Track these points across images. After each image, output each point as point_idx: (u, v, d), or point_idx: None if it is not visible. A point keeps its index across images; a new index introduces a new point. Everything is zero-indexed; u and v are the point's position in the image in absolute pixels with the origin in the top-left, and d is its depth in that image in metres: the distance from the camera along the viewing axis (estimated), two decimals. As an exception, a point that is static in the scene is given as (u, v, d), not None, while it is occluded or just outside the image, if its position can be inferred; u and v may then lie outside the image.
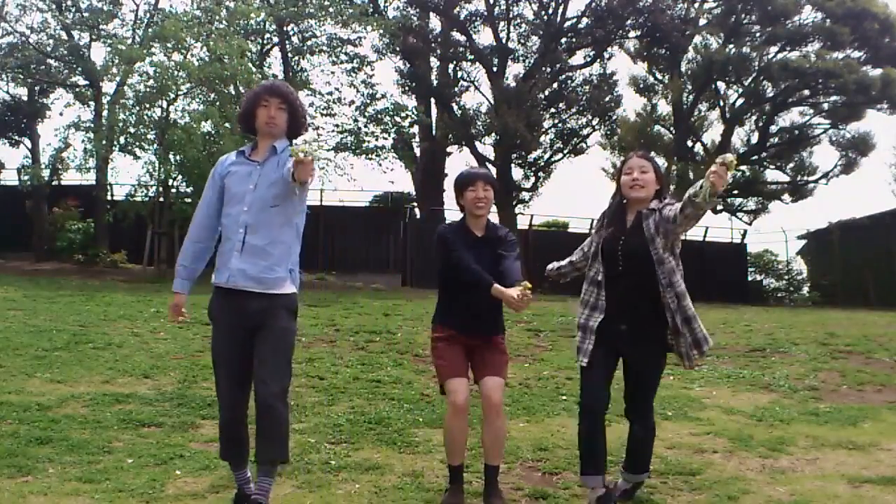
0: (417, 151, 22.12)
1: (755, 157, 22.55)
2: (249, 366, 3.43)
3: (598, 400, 3.76)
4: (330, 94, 19.72)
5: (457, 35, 21.89)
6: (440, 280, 4.12)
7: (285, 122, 3.65)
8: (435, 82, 21.91)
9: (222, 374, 3.53)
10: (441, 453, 4.40)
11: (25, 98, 20.80)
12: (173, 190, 17.20)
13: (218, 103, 15.63)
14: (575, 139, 22.67)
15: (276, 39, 19.76)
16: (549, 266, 4.32)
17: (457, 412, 3.95)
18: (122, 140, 16.59)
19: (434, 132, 21.72)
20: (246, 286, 3.45)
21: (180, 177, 16.64)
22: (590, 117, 22.51)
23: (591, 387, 3.78)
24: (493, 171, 20.88)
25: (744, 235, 23.82)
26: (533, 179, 22.59)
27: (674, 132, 22.44)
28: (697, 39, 22.08)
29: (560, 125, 22.61)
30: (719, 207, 22.20)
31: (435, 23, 22.48)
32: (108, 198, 19.01)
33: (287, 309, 3.50)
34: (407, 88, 22.08)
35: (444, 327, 4.07)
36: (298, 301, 3.61)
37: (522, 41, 22.08)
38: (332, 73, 25.86)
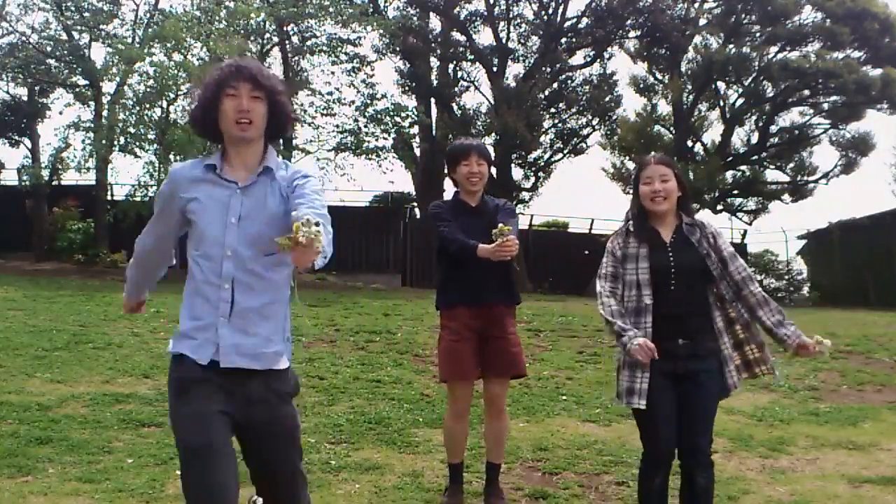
0: (417, 151, 22.11)
1: (755, 157, 22.54)
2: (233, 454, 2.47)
3: (671, 445, 3.25)
4: (330, 94, 19.70)
5: (457, 35, 21.88)
6: (438, 259, 3.97)
7: (263, 119, 2.48)
8: (435, 82, 21.90)
9: (205, 469, 2.36)
10: (441, 453, 4.40)
11: (25, 98, 20.77)
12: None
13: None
14: (575, 139, 22.66)
15: (276, 39, 19.75)
16: (618, 326, 3.27)
17: (457, 416, 3.90)
18: (122, 140, 16.59)
19: (434, 132, 21.70)
20: (240, 364, 2.42)
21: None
22: (590, 117, 22.49)
23: (660, 431, 3.23)
24: (494, 171, 20.90)
25: (744, 235, 23.82)
26: (533, 179, 22.58)
27: (674, 132, 22.43)
28: (697, 39, 22.07)
29: (560, 125, 22.60)
30: (719, 207, 22.21)
31: (435, 23, 22.47)
32: (108, 198, 19.00)
33: (287, 393, 2.55)
34: (407, 88, 22.07)
35: (448, 307, 3.91)
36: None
37: (522, 41, 22.07)
38: (332, 73, 25.65)
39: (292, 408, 2.56)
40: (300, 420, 2.61)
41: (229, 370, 2.41)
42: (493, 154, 20.63)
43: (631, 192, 3.48)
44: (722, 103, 22.58)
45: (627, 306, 3.26)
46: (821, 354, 3.19)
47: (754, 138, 22.73)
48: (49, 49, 19.18)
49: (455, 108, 21.79)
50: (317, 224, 2.08)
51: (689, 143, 22.75)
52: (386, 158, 19.92)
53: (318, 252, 2.09)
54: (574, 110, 22.29)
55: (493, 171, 22.24)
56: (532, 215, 22.68)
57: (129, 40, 18.33)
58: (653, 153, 4.10)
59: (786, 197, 23.02)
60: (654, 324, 3.22)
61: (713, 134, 23.89)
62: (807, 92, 21.17)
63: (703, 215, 3.67)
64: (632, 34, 22.20)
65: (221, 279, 2.41)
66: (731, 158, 22.12)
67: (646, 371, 3.18)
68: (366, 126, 19.53)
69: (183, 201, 2.49)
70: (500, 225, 3.58)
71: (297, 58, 20.03)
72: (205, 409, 2.38)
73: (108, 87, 18.43)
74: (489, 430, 3.96)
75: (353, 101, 19.93)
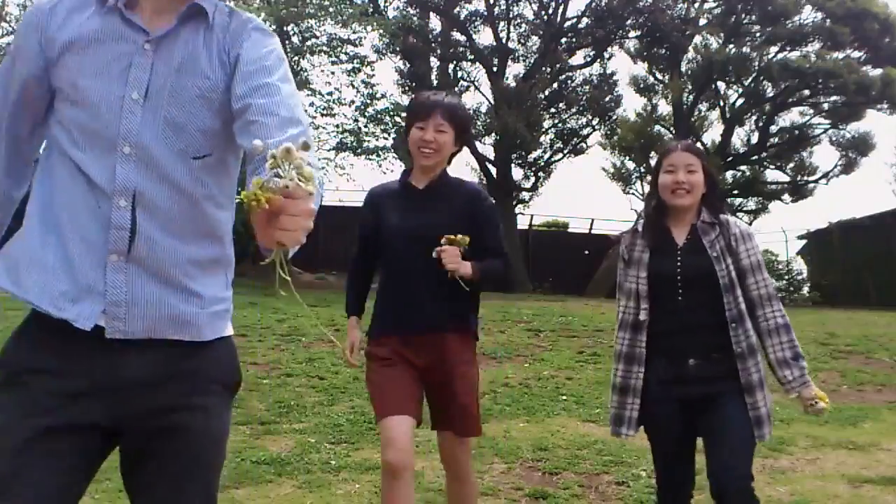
0: (417, 151, 22.10)
1: (755, 157, 22.55)
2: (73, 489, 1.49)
3: (682, 487, 2.80)
4: (330, 94, 19.71)
5: (457, 35, 21.88)
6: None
7: None
8: (435, 82, 21.89)
9: None
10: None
11: (25, 98, 20.75)
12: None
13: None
14: (575, 139, 22.67)
15: (276, 39, 19.78)
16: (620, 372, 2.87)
17: (394, 475, 2.71)
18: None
19: (434, 132, 21.69)
20: (139, 333, 1.52)
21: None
22: (590, 117, 22.51)
23: (663, 469, 2.82)
24: (494, 171, 20.93)
25: (744, 235, 23.82)
26: (533, 179, 22.59)
27: (674, 132, 22.42)
28: (697, 39, 22.07)
29: (560, 125, 22.61)
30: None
31: (435, 23, 22.47)
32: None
33: (220, 383, 1.63)
34: (407, 88, 22.07)
35: (378, 332, 2.88)
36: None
37: (522, 41, 22.08)
38: (332, 73, 25.82)
39: (222, 410, 1.61)
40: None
41: (120, 343, 1.49)
42: (493, 154, 20.39)
43: (649, 183, 3.03)
44: (722, 103, 22.58)
45: (624, 319, 2.83)
46: (815, 413, 2.74)
47: (754, 138, 22.74)
48: (49, 49, 19.17)
49: (455, 108, 21.78)
50: (305, 147, 1.21)
51: (689, 143, 22.74)
52: (386, 158, 19.92)
53: (310, 213, 1.20)
54: (574, 110, 22.30)
55: (493, 170, 22.27)
56: (532, 215, 22.72)
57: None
58: (680, 139, 3.32)
59: (786, 197, 23.03)
60: (659, 340, 2.77)
61: (713, 134, 23.97)
62: (807, 92, 21.17)
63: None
64: (632, 34, 22.21)
65: (114, 191, 1.48)
66: (731, 158, 22.12)
67: (636, 397, 2.76)
68: (366, 126, 19.54)
69: (61, 46, 1.51)
70: (459, 236, 2.71)
71: (297, 58, 20.04)
72: (28, 426, 1.44)
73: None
74: (450, 495, 3.02)
75: (352, 101, 19.95)
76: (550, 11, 21.68)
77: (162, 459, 1.54)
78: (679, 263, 2.79)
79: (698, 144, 22.73)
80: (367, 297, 3.05)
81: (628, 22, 21.58)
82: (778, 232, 23.99)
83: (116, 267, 1.50)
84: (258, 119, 1.45)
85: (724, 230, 2.80)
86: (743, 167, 22.49)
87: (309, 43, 20.08)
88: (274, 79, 1.55)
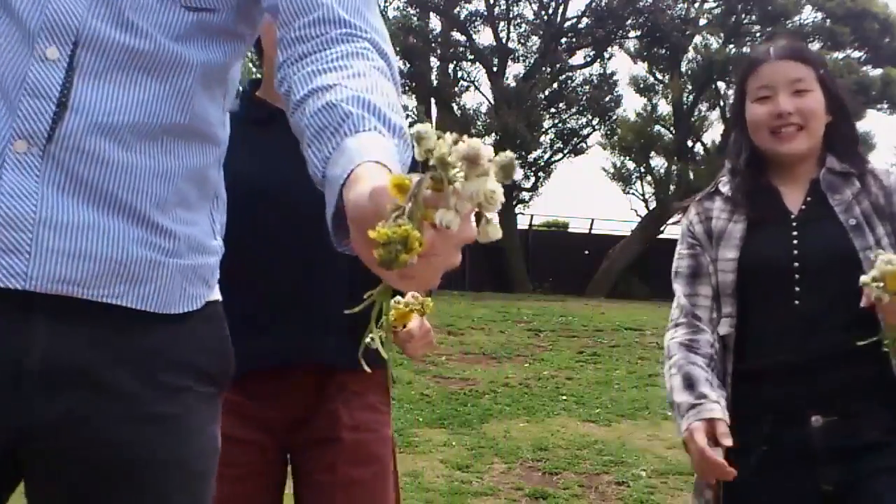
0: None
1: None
2: None
3: None
4: (330, 94, 19.75)
5: (457, 35, 21.89)
6: None
7: None
8: (435, 82, 21.91)
9: None
10: (442, 452, 4.40)
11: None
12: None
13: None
14: (575, 139, 22.68)
15: (276, 39, 19.78)
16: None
17: None
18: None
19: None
20: (59, 287, 0.88)
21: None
22: (590, 117, 22.52)
23: None
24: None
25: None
26: (533, 179, 22.59)
27: (674, 132, 22.43)
28: (697, 39, 22.07)
29: (560, 125, 22.63)
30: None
31: (435, 23, 22.48)
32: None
33: (201, 371, 0.99)
34: (407, 88, 22.07)
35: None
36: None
37: (522, 41, 22.09)
38: (333, 73, 25.84)
39: (201, 417, 1.00)
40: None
41: (19, 302, 0.88)
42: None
43: (736, 122, 1.78)
44: (722, 103, 22.57)
45: (676, 337, 1.67)
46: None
47: (754, 138, 22.75)
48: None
49: (455, 108, 21.80)
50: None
51: (690, 143, 22.76)
52: (386, 158, 19.96)
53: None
54: (574, 110, 22.31)
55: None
56: (532, 215, 22.72)
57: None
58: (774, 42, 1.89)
59: (786, 197, 23.04)
60: (755, 381, 1.61)
61: (713, 134, 23.99)
62: (807, 92, 21.17)
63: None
64: (632, 34, 22.22)
65: (41, 28, 0.89)
66: (731, 158, 22.13)
67: (708, 488, 1.65)
68: (366, 126, 19.55)
69: None
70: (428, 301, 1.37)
71: (297, 58, 20.06)
72: None
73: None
74: None
75: (353, 101, 19.96)
76: (550, 11, 21.68)
77: None
78: (795, 242, 1.62)
79: (698, 144, 22.52)
80: None
81: (628, 22, 21.59)
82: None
83: (21, 162, 0.87)
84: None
85: (866, 182, 1.64)
86: (743, 167, 22.52)
87: (309, 43, 20.10)
88: None
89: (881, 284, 1.38)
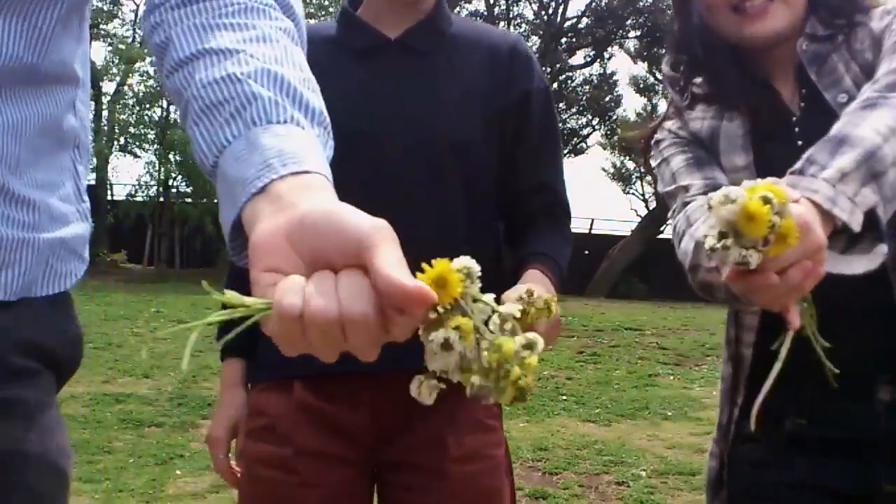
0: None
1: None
2: None
3: None
4: (330, 94, 19.77)
5: (457, 35, 21.94)
6: None
7: None
8: (435, 82, 21.96)
9: None
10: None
11: (25, 98, 20.76)
12: (174, 190, 17.25)
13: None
14: (575, 139, 22.71)
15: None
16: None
17: None
18: (122, 140, 16.63)
19: (434, 132, 21.76)
20: None
21: (180, 177, 16.69)
22: (590, 117, 22.56)
23: None
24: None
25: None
26: (533, 179, 22.65)
27: (674, 132, 22.48)
28: (697, 39, 22.14)
29: (560, 125, 22.64)
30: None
31: (435, 23, 22.53)
32: (109, 198, 19.03)
33: (42, 351, 0.82)
34: (407, 88, 22.13)
35: (262, 385, 1.30)
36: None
37: (522, 41, 22.17)
38: (332, 73, 25.88)
39: (42, 409, 0.83)
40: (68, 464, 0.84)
41: None
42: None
43: (680, 10, 1.24)
44: (722, 103, 22.62)
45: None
46: None
47: (754, 138, 22.78)
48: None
49: (455, 108, 21.85)
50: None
51: (689, 143, 22.82)
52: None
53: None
54: (574, 110, 22.35)
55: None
56: (532, 215, 22.74)
57: (129, 40, 18.36)
58: None
59: (786, 197, 23.05)
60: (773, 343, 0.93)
61: (713, 134, 23.97)
62: (807, 92, 21.21)
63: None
64: (632, 34, 22.25)
65: None
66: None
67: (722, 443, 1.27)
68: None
69: None
70: (550, 297, 1.01)
71: (297, 58, 20.07)
72: None
73: (109, 86, 18.45)
74: None
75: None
76: (550, 11, 21.70)
77: None
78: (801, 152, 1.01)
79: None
80: None
81: (628, 22, 21.61)
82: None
83: None
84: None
85: (856, 36, 1.15)
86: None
87: (309, 43, 20.11)
88: None
89: (730, 240, 0.78)
